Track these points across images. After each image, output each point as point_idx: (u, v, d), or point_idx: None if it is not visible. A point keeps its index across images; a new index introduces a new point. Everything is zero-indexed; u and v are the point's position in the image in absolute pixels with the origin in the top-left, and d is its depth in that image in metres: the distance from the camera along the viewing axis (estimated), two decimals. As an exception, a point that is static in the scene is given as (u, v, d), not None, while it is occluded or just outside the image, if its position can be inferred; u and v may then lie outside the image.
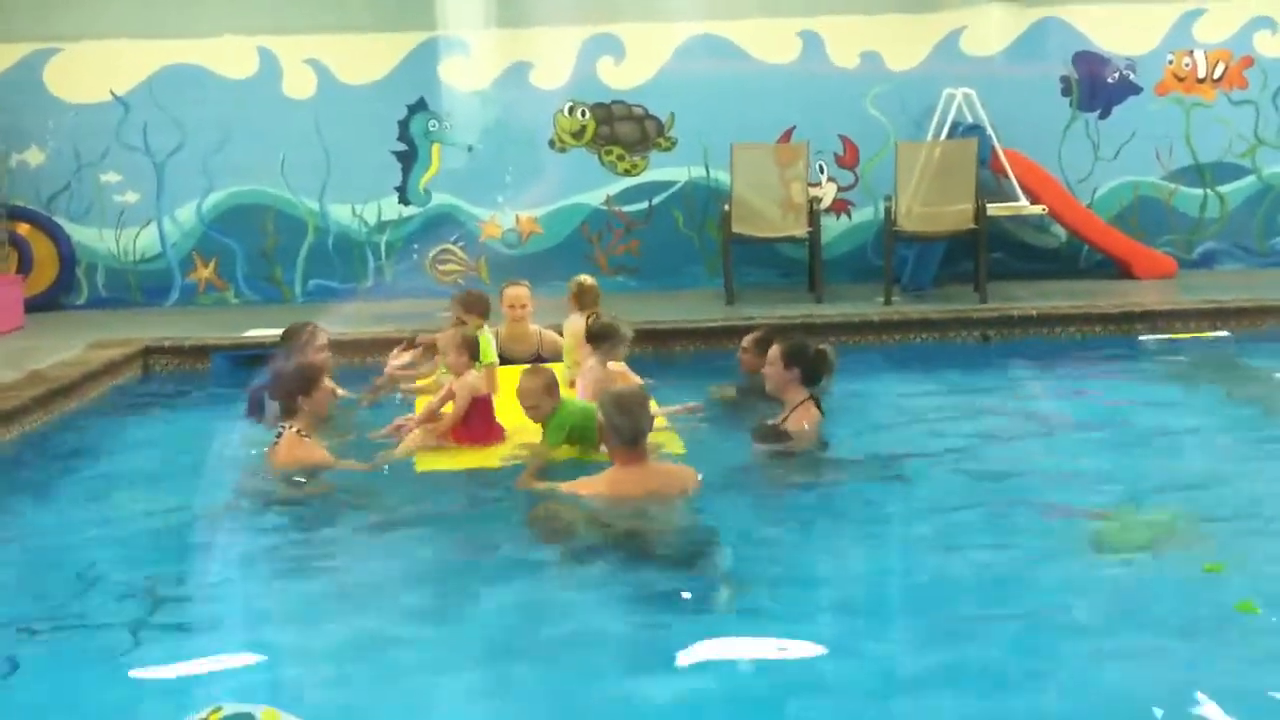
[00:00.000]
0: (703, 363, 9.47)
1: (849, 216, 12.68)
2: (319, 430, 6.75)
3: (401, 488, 6.43)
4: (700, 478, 6.06)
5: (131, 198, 12.50)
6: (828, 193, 12.57)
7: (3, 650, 4.53)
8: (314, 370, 6.76)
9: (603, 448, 6.10)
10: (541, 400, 6.68)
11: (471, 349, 7.08)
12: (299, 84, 12.44)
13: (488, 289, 9.75)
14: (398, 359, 8.29)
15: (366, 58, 12.43)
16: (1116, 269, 12.20)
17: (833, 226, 12.55)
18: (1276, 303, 10.53)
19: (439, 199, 12.60)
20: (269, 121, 12.39)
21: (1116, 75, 12.56)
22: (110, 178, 12.48)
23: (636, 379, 7.92)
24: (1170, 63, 12.58)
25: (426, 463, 6.74)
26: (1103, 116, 12.60)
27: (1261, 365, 9.24)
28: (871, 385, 8.45)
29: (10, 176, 12.44)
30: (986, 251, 11.24)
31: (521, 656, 4.42)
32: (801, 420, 6.79)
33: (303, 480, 6.39)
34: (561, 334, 8.78)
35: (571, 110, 12.52)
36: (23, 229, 12.48)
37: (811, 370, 6.83)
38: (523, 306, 8.89)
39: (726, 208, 11.61)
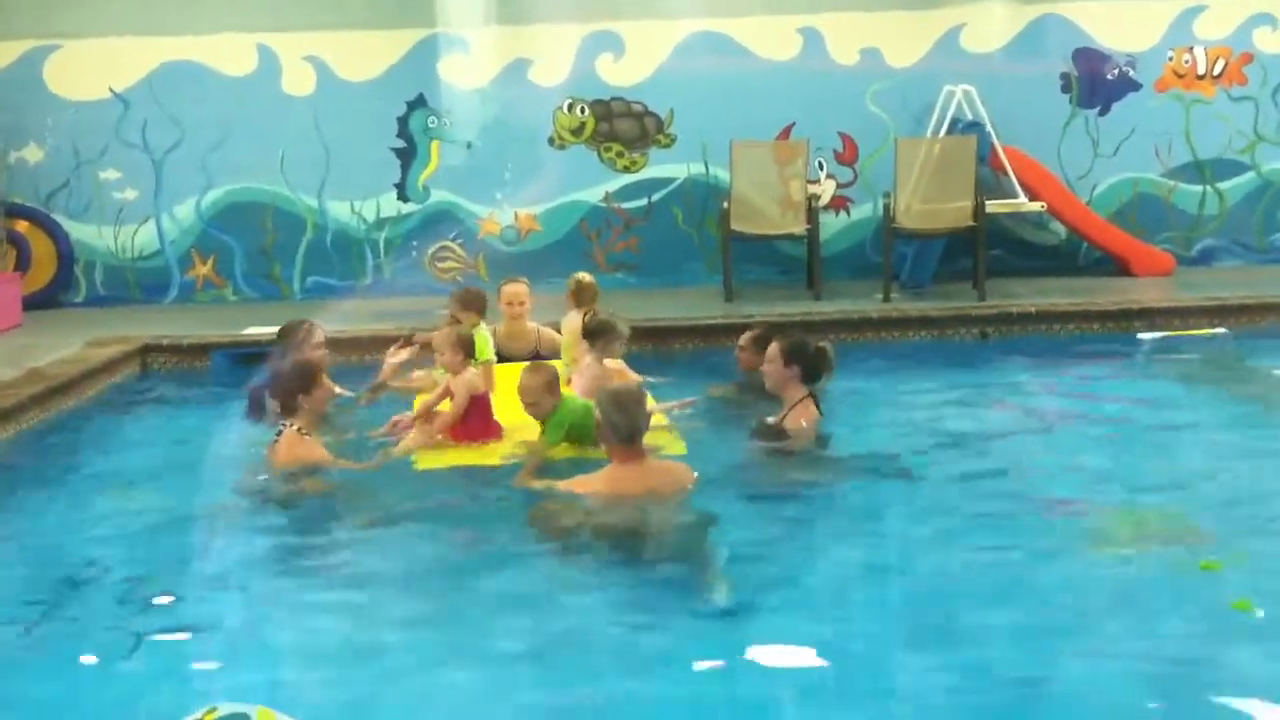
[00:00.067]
0: (701, 360, 9.46)
1: (848, 213, 12.67)
2: (318, 428, 6.75)
3: (401, 486, 6.43)
4: (697, 475, 6.06)
5: (130, 195, 12.50)
6: (827, 190, 12.57)
7: (0, 649, 4.54)
8: (313, 368, 6.76)
9: (601, 445, 6.10)
10: (542, 398, 6.68)
11: (467, 347, 7.07)
12: (298, 81, 12.44)
13: (486, 286, 9.75)
14: (395, 356, 8.28)
15: (366, 55, 12.42)
16: (1115, 266, 12.20)
17: (832, 224, 12.54)
18: (1275, 299, 10.51)
19: (438, 196, 12.59)
20: (268, 119, 12.38)
21: (1116, 72, 12.55)
22: (109, 175, 12.47)
23: (635, 376, 7.92)
24: (1170, 59, 12.56)
25: (426, 461, 6.74)
26: (1102, 113, 12.59)
27: (1260, 362, 9.24)
28: (870, 383, 8.45)
29: (9, 173, 12.43)
30: (985, 248, 11.23)
31: (520, 655, 4.42)
32: (800, 418, 6.79)
33: (302, 479, 6.39)
34: (560, 331, 8.78)
35: (571, 107, 12.52)
36: (21, 226, 12.48)
37: (811, 368, 6.82)
38: (521, 304, 8.88)
39: (725, 205, 11.60)
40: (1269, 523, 5.68)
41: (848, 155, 12.59)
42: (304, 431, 6.53)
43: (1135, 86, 12.56)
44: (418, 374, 8.37)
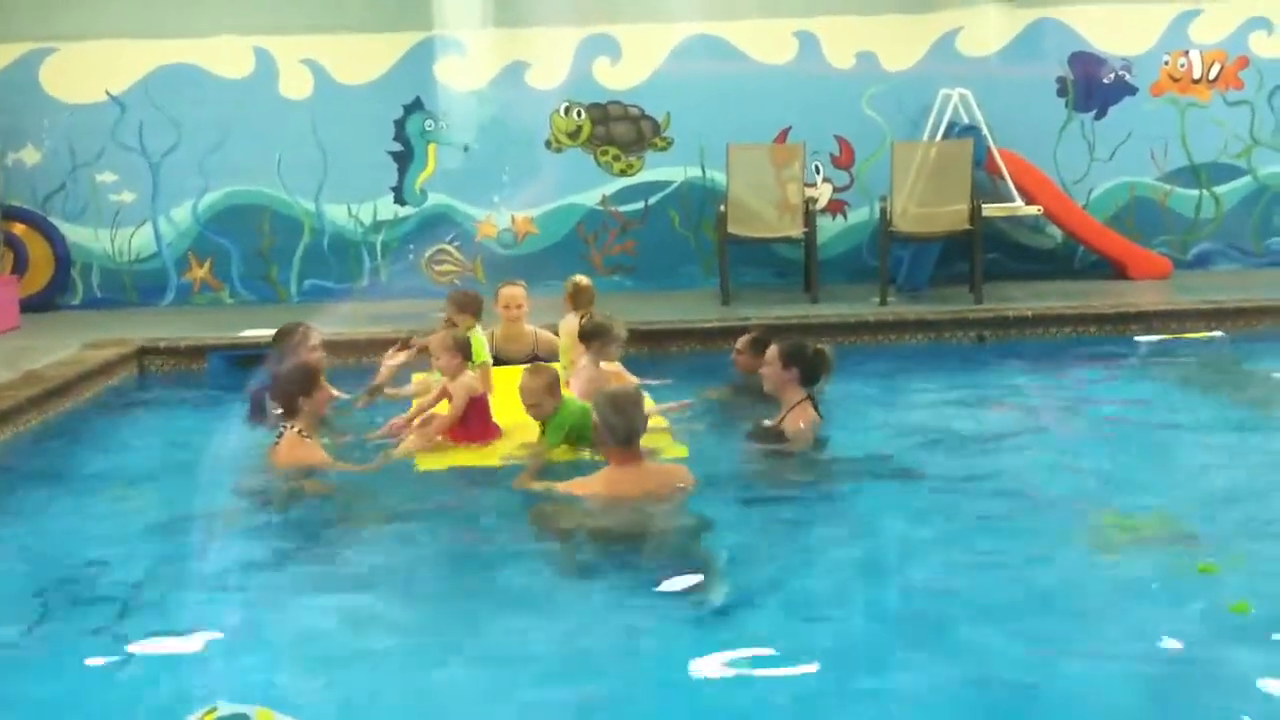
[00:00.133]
0: (698, 363, 9.46)
1: (844, 217, 12.68)
2: (317, 431, 6.75)
3: (401, 488, 6.43)
4: (695, 478, 6.07)
5: (127, 197, 12.49)
6: (823, 193, 12.58)
7: (0, 649, 4.54)
8: (314, 370, 6.78)
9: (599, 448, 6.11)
10: (544, 399, 6.68)
11: (464, 350, 7.08)
12: (295, 84, 12.44)
13: (484, 289, 9.75)
14: (392, 359, 8.27)
15: (363, 58, 12.42)
16: (1112, 270, 12.21)
17: (828, 227, 12.55)
18: (1272, 303, 10.54)
19: (435, 199, 12.59)
20: (265, 121, 12.38)
21: (1112, 76, 12.57)
22: (106, 178, 12.46)
23: (632, 379, 7.93)
24: (1166, 63, 12.59)
25: (427, 462, 6.74)
26: (1098, 117, 12.61)
27: (1257, 366, 9.26)
28: (867, 386, 8.46)
29: (6, 176, 12.43)
30: (982, 252, 11.24)
31: (519, 656, 4.42)
32: (798, 420, 6.80)
33: (303, 480, 6.39)
34: (558, 334, 8.78)
35: (568, 110, 12.53)
36: (18, 229, 12.47)
37: (810, 370, 6.83)
38: (518, 306, 8.89)
39: (722, 208, 11.61)
40: (1266, 525, 5.69)
41: (844, 159, 12.60)
42: (304, 434, 6.54)
43: (1131, 90, 12.58)
44: (416, 377, 8.38)
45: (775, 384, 6.89)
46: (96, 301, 12.53)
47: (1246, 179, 12.71)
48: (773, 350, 6.87)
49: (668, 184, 12.59)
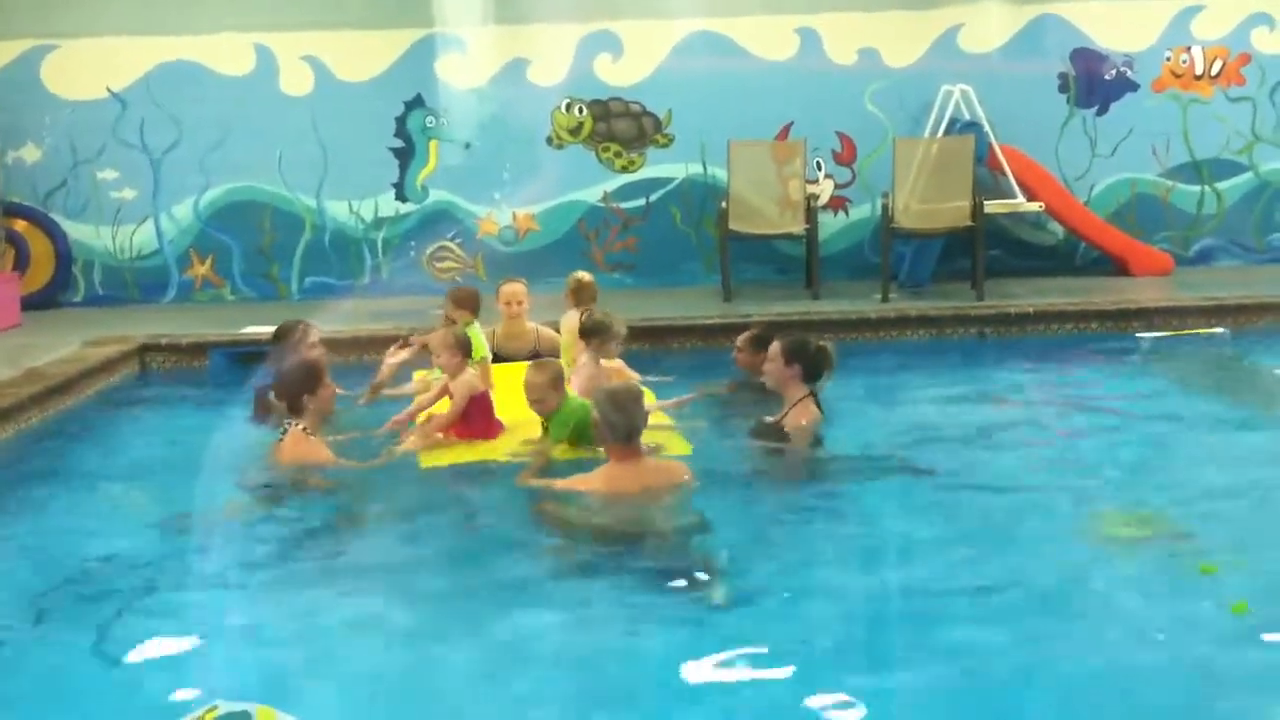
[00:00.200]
0: (699, 360, 9.46)
1: (846, 213, 12.68)
2: (321, 428, 6.75)
3: (404, 485, 6.43)
4: (694, 474, 6.06)
5: (128, 194, 12.50)
6: (825, 189, 12.57)
7: (0, 648, 4.54)
8: (318, 368, 6.78)
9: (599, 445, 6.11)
10: (548, 394, 6.68)
11: (464, 348, 7.08)
12: (296, 81, 12.44)
13: (485, 286, 9.75)
14: (394, 357, 8.28)
15: (364, 54, 12.42)
16: (1113, 266, 12.21)
17: (830, 223, 12.55)
18: (1273, 299, 10.53)
19: (436, 196, 12.59)
20: (266, 118, 12.39)
21: (1114, 72, 12.56)
22: (107, 175, 12.47)
23: (634, 375, 7.93)
24: (1168, 59, 12.58)
25: (431, 459, 6.74)
26: (1100, 113, 12.60)
27: (1259, 362, 9.25)
28: (868, 383, 8.45)
29: (7, 173, 12.43)
30: (984, 248, 11.24)
31: (520, 655, 4.42)
32: (800, 417, 6.79)
33: (306, 477, 6.40)
34: (559, 330, 8.78)
35: (569, 107, 12.52)
36: (19, 226, 12.48)
37: (812, 367, 6.82)
38: (519, 303, 8.88)
39: (724, 204, 11.60)
40: (1267, 524, 5.68)
41: (846, 155, 12.59)
42: (308, 431, 6.54)
43: (1133, 86, 12.57)
44: (416, 375, 8.38)
45: (777, 381, 6.88)
46: (98, 299, 12.54)
47: (1248, 175, 12.70)
48: (775, 347, 6.86)
49: (669, 180, 12.59)
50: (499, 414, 7.19)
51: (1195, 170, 12.67)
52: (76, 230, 12.51)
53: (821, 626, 4.60)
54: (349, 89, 12.43)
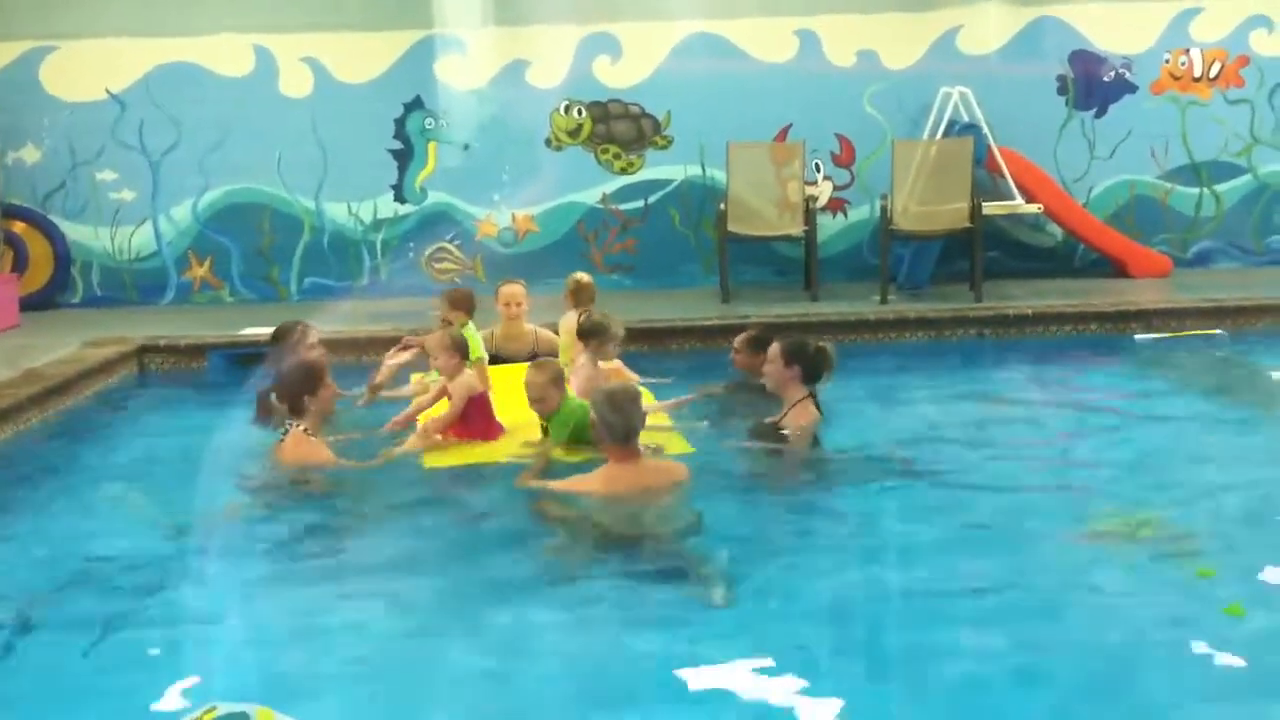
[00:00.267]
0: (698, 361, 9.46)
1: (845, 215, 12.68)
2: (322, 429, 6.75)
3: (404, 486, 6.43)
4: (692, 474, 6.06)
5: (127, 196, 12.50)
6: (824, 191, 12.58)
7: (0, 649, 4.54)
8: (319, 369, 6.78)
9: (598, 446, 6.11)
10: (549, 392, 6.67)
11: (461, 350, 7.08)
12: (295, 82, 12.44)
13: (484, 288, 9.75)
14: (394, 359, 8.28)
15: (363, 56, 12.42)
16: (1112, 268, 12.22)
17: (829, 225, 12.55)
18: (1272, 301, 10.54)
19: (435, 197, 12.60)
20: (265, 120, 12.39)
21: (1113, 74, 12.57)
22: (106, 176, 12.47)
23: (633, 376, 7.94)
24: (1166, 61, 12.58)
25: (434, 459, 6.74)
26: (1099, 115, 12.61)
27: (1257, 364, 9.25)
28: (867, 384, 8.45)
29: (6, 174, 12.43)
30: (982, 250, 11.24)
31: (521, 654, 4.42)
32: (799, 418, 6.78)
33: (307, 478, 6.40)
34: (557, 332, 8.78)
35: (568, 109, 12.52)
36: (18, 227, 12.48)
37: (812, 368, 6.81)
38: (518, 304, 8.88)
39: (722, 206, 11.61)
40: (1264, 528, 5.67)
41: (845, 157, 12.60)
42: (309, 432, 6.54)
43: (1131, 89, 12.58)
44: (414, 377, 8.38)
45: (777, 382, 6.88)
46: (96, 300, 12.54)
47: (1247, 177, 12.71)
48: (775, 348, 6.86)
49: (668, 182, 12.59)
50: (498, 415, 7.18)
51: (1194, 172, 12.67)
52: (75, 231, 12.51)
53: (820, 627, 4.61)
54: (348, 90, 12.43)
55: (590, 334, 7.62)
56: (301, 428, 6.53)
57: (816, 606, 4.82)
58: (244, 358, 9.17)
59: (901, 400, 8.29)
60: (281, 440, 6.56)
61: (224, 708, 3.79)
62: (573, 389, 7.26)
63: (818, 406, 6.86)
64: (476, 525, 5.94)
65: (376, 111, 12.43)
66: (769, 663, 4.27)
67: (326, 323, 8.78)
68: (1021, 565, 5.21)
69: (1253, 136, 12.65)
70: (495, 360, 8.50)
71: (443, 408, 7.12)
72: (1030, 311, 10.44)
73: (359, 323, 10.33)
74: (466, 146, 12.53)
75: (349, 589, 5.09)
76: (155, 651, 4.53)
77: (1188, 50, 12.57)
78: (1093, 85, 12.57)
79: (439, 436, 6.97)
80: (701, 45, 12.46)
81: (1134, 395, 8.44)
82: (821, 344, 6.90)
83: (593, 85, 12.48)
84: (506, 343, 8.89)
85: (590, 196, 12.60)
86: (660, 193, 12.60)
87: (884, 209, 11.34)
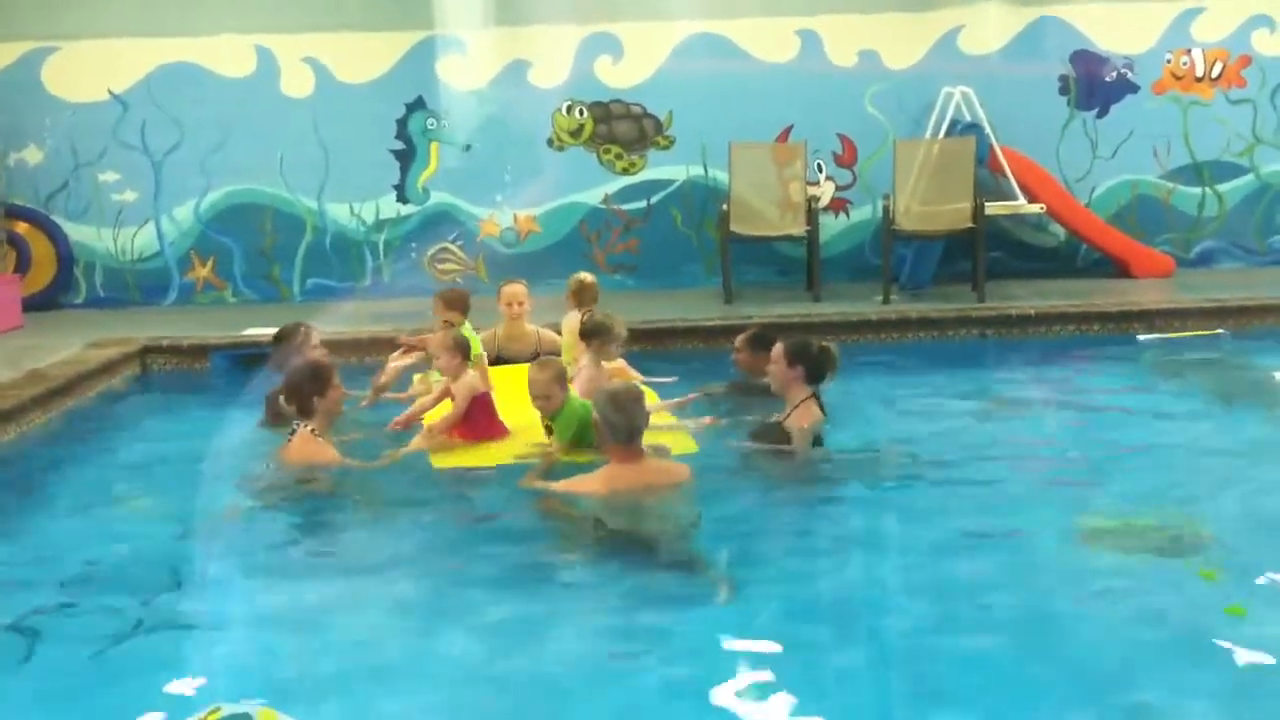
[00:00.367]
0: (701, 361, 9.46)
1: (847, 215, 12.68)
2: (329, 430, 6.76)
3: (410, 487, 6.44)
4: (694, 474, 6.06)
5: (129, 197, 12.51)
6: (826, 191, 12.58)
7: (1, 650, 4.54)
8: (327, 370, 6.77)
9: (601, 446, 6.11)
10: (552, 390, 6.66)
11: (463, 350, 7.09)
12: (297, 83, 12.45)
13: (486, 288, 9.75)
14: (398, 360, 8.28)
15: (364, 56, 12.43)
16: (1114, 268, 12.21)
17: (831, 225, 12.55)
18: (1274, 301, 10.54)
19: (437, 198, 12.60)
20: (267, 120, 12.40)
21: (1114, 74, 12.57)
22: (108, 177, 12.48)
23: (637, 375, 7.94)
24: (1168, 61, 12.58)
25: (441, 460, 6.74)
26: (1101, 115, 12.61)
27: (1259, 364, 9.25)
28: (869, 384, 8.45)
29: (8, 175, 12.45)
30: (984, 250, 11.24)
31: (523, 655, 4.42)
32: (802, 419, 6.78)
33: (313, 478, 6.40)
34: (560, 332, 8.79)
35: (570, 109, 12.53)
36: (21, 228, 12.49)
37: (815, 368, 6.80)
38: (520, 304, 8.88)
39: (725, 206, 11.61)
40: (1266, 528, 5.67)
41: (847, 157, 12.60)
42: (317, 432, 6.55)
43: (1133, 88, 12.58)
44: (416, 378, 8.38)
45: (780, 382, 6.86)
46: (99, 300, 12.55)
47: (1249, 177, 12.71)
48: (778, 348, 6.84)
49: (670, 182, 12.60)
50: (501, 416, 7.18)
51: (1196, 172, 12.68)
52: (78, 232, 12.52)
53: (822, 626, 4.61)
54: (350, 91, 12.44)
55: (593, 334, 7.62)
56: (309, 428, 6.53)
57: (818, 606, 4.83)
58: (246, 359, 9.18)
59: (904, 400, 8.29)
60: (288, 440, 6.57)
61: (228, 708, 3.79)
62: (576, 389, 7.26)
63: (821, 407, 6.86)
64: (480, 526, 5.94)
65: (378, 112, 12.44)
66: (770, 663, 4.27)
67: (329, 323, 8.79)
68: (1023, 565, 5.21)
69: (1255, 136, 12.65)
70: (498, 361, 8.50)
71: (446, 409, 7.12)
72: (1033, 312, 10.44)
73: (361, 323, 10.34)
74: (468, 147, 12.54)
75: (353, 589, 5.10)
76: (158, 651, 4.52)
77: (1189, 50, 12.57)
78: (1094, 85, 12.57)
79: (444, 437, 6.97)
80: (703, 45, 12.46)
81: (1136, 395, 8.43)
82: (825, 344, 6.89)
83: (594, 85, 12.49)
84: (509, 343, 8.90)
85: (592, 197, 12.61)
86: (662, 193, 12.61)
87: (886, 209, 11.34)
